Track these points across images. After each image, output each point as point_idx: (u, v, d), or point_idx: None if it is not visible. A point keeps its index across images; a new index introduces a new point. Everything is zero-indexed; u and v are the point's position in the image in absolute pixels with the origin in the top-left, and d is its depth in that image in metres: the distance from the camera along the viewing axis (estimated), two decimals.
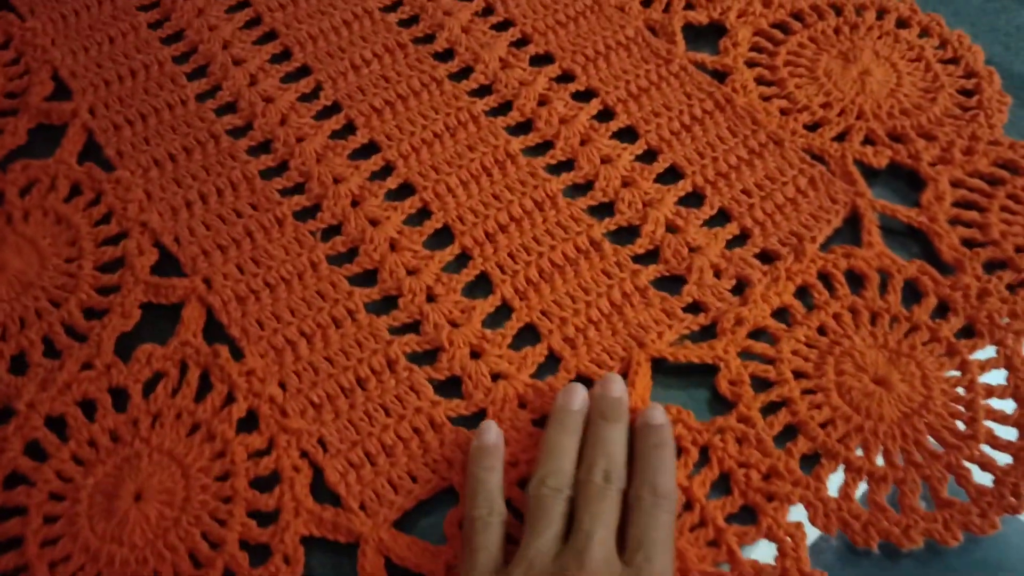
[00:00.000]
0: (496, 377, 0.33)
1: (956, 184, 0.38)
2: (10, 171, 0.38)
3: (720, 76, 0.41)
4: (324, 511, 0.30)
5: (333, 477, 0.31)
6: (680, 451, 0.32)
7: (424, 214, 0.37)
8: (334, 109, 0.40)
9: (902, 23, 0.43)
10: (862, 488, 0.31)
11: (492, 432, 0.31)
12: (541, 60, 0.42)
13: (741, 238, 0.37)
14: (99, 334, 0.33)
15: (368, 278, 0.35)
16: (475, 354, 0.34)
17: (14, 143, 0.39)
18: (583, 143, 0.39)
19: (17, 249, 0.35)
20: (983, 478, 0.31)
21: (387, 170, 0.38)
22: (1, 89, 0.41)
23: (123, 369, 0.33)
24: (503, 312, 0.35)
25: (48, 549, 0.29)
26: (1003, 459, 0.31)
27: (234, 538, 0.29)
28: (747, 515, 0.31)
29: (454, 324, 0.34)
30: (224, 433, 0.31)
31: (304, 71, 0.42)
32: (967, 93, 0.41)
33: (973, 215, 0.37)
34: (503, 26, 0.43)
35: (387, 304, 0.35)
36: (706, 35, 0.43)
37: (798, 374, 0.33)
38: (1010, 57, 0.43)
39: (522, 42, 0.43)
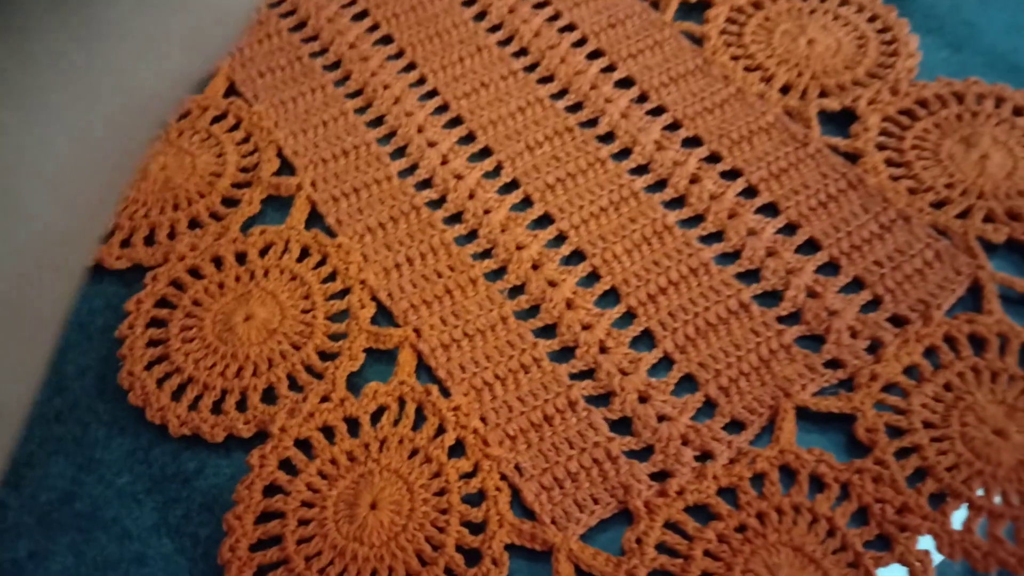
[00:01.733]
0: (661, 419, 0.39)
1: None
2: (250, 235, 0.46)
3: (852, 158, 0.47)
4: (523, 524, 0.37)
5: (529, 497, 0.37)
6: (823, 487, 0.37)
7: (594, 278, 0.44)
8: (513, 185, 0.47)
9: (1018, 111, 0.48)
10: (982, 523, 0.36)
11: None
12: (691, 142, 0.48)
13: (874, 303, 0.42)
14: (333, 373, 0.41)
15: (549, 331, 0.42)
16: (642, 399, 0.40)
17: (251, 212, 0.47)
18: (731, 217, 0.45)
19: (261, 301, 0.43)
20: None
21: (561, 239, 0.45)
22: (236, 165, 0.49)
23: (354, 402, 0.40)
24: (665, 364, 0.41)
25: (303, 546, 0.36)
26: None
27: (451, 543, 0.36)
28: (882, 542, 0.36)
29: (624, 373, 0.40)
30: (439, 457, 0.38)
31: (486, 152, 0.49)
32: None
33: None
34: (657, 112, 0.50)
35: (566, 354, 0.41)
36: (838, 120, 0.49)
37: (927, 424, 0.38)
38: None
39: (674, 126, 0.49)
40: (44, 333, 0.25)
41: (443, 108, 0.51)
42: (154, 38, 0.25)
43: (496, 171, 0.48)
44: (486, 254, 0.45)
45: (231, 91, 0.53)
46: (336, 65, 0.53)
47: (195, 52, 0.27)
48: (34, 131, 0.23)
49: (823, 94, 0.50)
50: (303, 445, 0.39)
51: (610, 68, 0.51)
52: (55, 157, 0.23)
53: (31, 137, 0.23)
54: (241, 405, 0.40)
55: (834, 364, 0.40)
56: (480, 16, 0.55)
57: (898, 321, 0.41)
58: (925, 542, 0.36)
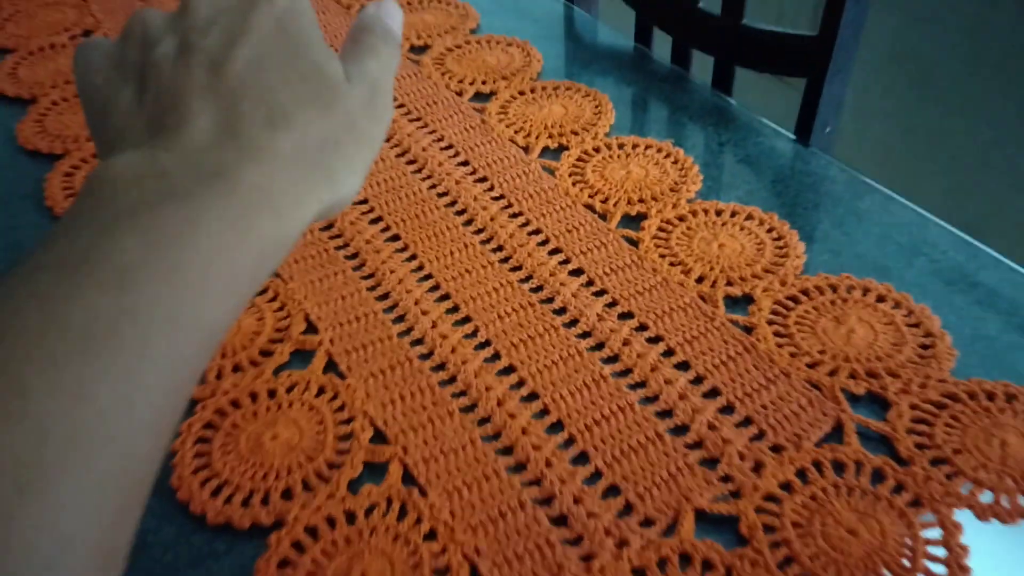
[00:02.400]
0: (590, 516, 0.50)
1: (913, 407, 0.55)
2: (279, 377, 0.59)
3: (748, 329, 0.61)
4: None
5: (485, 571, 0.48)
6: (712, 568, 0.48)
7: (544, 412, 0.56)
8: (486, 344, 0.61)
9: (880, 299, 0.62)
10: None
11: None
12: (625, 316, 0.62)
13: (759, 435, 0.54)
14: (337, 478, 0.52)
15: (507, 451, 0.54)
16: (576, 501, 0.51)
17: (281, 360, 0.60)
18: (652, 370, 0.58)
19: (286, 425, 0.56)
20: None
21: (520, 384, 0.58)
22: (273, 327, 0.63)
23: (353, 500, 0.51)
24: (596, 476, 0.53)
25: None
26: None
27: None
28: None
29: (563, 481, 0.52)
30: (416, 540, 0.49)
31: (467, 319, 0.63)
32: (925, 347, 0.59)
33: (924, 428, 0.54)
34: (600, 293, 0.64)
35: (519, 468, 0.53)
36: (739, 302, 0.63)
37: (795, 524, 0.49)
38: (961, 325, 0.61)
39: (612, 304, 0.63)
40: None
41: (435, 287, 0.65)
42: (229, 276, 0.26)
43: (473, 333, 0.61)
44: (462, 394, 0.57)
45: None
46: (355, 255, 0.68)
47: (255, 283, 0.28)
48: (134, 382, 0.24)
49: (729, 283, 0.64)
50: (311, 531, 0.50)
51: (565, 261, 0.66)
52: (151, 404, 0.26)
53: (133, 385, 0.25)
54: (264, 500, 0.52)
55: (726, 479, 0.52)
56: (468, 222, 0.70)
57: (777, 449, 0.53)
58: None
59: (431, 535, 0.50)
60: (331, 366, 0.60)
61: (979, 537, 0.48)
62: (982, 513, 0.50)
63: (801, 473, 0.52)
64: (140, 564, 0.50)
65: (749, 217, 0.69)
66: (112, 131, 0.27)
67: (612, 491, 0.52)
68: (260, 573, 0.48)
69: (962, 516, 0.50)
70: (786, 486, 0.52)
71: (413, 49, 0.93)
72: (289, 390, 0.58)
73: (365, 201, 0.73)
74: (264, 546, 0.50)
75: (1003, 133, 1.17)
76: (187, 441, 0.55)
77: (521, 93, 0.86)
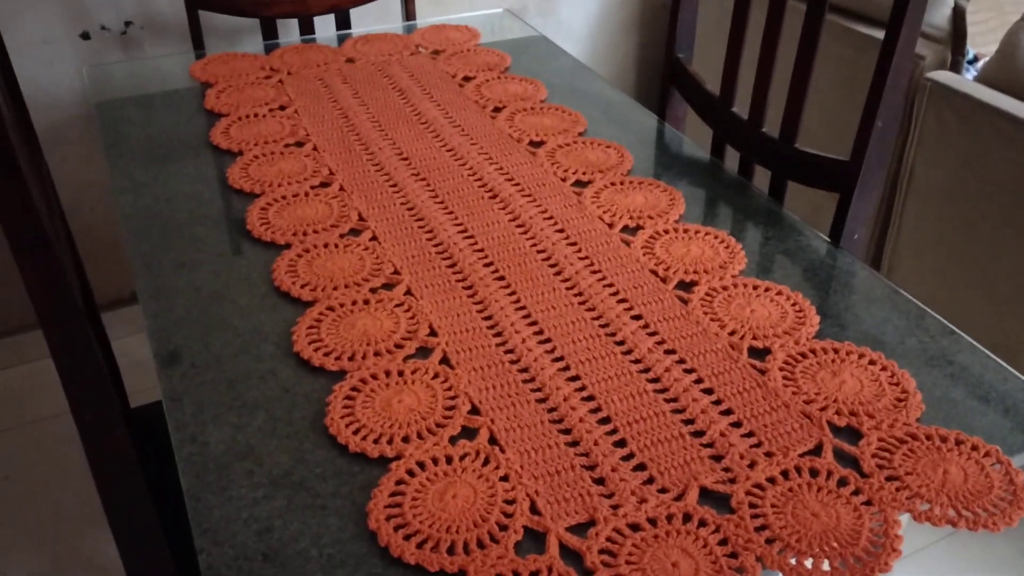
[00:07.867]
0: (622, 479, 0.69)
1: (880, 439, 0.72)
2: (408, 364, 0.80)
3: (763, 372, 0.79)
4: (535, 517, 0.66)
5: (540, 503, 0.67)
6: (705, 525, 0.65)
7: (597, 410, 0.75)
8: (561, 359, 0.80)
9: (872, 362, 0.80)
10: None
11: None
12: (669, 352, 0.81)
13: (758, 444, 0.72)
14: (442, 433, 0.72)
15: (566, 431, 0.73)
16: (613, 470, 0.70)
17: (409, 352, 0.81)
18: (684, 391, 0.77)
19: (409, 394, 0.76)
20: None
21: (583, 388, 0.77)
22: (405, 328, 0.84)
23: (451, 448, 0.71)
24: (630, 456, 0.71)
25: (414, 509, 0.66)
26: None
27: (494, 517, 0.65)
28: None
29: (605, 455, 0.71)
30: (493, 479, 0.68)
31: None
32: (900, 400, 0.76)
33: (886, 454, 0.71)
34: (652, 334, 0.83)
35: (574, 443, 0.72)
36: (760, 353, 0.81)
37: (773, 505, 0.67)
38: (933, 389, 0.78)
39: (660, 342, 0.82)
40: None
41: (527, 316, 0.86)
42: None
43: (552, 350, 0.81)
44: (538, 390, 0.77)
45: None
46: (470, 287, 0.89)
47: None
48: None
49: (754, 338, 0.83)
50: (420, 464, 0.70)
51: (629, 308, 0.86)
52: None
53: None
54: (389, 441, 0.72)
55: (727, 470, 0.70)
56: (558, 273, 0.91)
57: (769, 454, 0.71)
58: None
59: (504, 478, 0.69)
60: (444, 360, 0.81)
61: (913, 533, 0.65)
62: (918, 517, 0.66)
63: (784, 473, 0.70)
64: (298, 474, 0.71)
65: (779, 293, 0.88)
66: None
67: (640, 467, 0.70)
68: (382, 487, 0.68)
69: (902, 517, 0.66)
70: (771, 480, 0.69)
71: (532, 143, 1.16)
72: (413, 372, 0.79)
73: (482, 249, 0.95)
74: (387, 470, 0.70)
75: None
76: (338, 398, 0.76)
77: (612, 184, 1.07)
